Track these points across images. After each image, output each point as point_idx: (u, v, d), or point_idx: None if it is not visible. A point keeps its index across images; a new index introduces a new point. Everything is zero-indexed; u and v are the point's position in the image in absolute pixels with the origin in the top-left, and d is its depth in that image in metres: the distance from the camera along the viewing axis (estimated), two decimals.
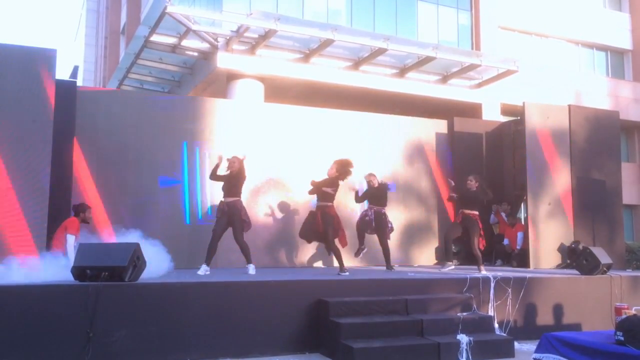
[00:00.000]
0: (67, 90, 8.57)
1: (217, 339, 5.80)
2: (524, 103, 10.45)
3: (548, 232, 9.99)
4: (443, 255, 9.44)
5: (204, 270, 7.24)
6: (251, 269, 7.54)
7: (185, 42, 12.73)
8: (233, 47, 12.93)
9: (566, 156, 10.33)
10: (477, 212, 8.61)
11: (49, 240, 7.36)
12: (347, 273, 7.69)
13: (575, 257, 8.58)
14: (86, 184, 8.78)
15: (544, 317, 7.33)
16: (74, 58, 36.09)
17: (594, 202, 10.30)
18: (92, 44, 31.94)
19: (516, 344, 6.32)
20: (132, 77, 14.66)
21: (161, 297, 5.71)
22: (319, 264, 9.89)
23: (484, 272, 7.96)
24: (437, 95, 14.84)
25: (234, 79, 13.49)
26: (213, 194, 9.11)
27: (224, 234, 7.61)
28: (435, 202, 11.11)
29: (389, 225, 8.81)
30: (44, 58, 7.71)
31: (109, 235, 8.33)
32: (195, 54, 13.29)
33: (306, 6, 15.02)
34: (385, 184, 9.00)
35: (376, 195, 8.82)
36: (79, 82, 17.05)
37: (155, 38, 12.47)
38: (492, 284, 7.06)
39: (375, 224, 8.66)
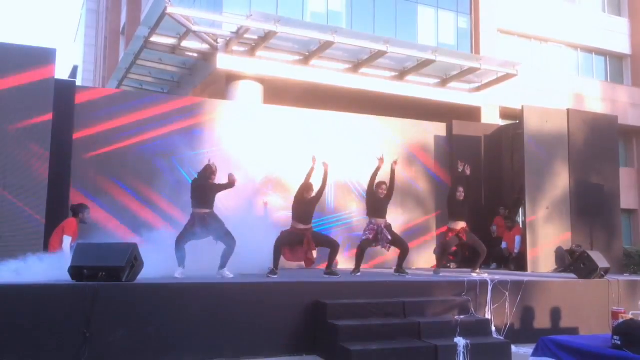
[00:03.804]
0: (66, 89, 8.57)
1: (214, 340, 5.79)
2: (522, 107, 10.47)
3: (546, 236, 10.00)
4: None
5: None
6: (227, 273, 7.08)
7: (185, 43, 12.74)
8: (233, 49, 12.93)
9: (564, 160, 10.34)
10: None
11: (46, 240, 7.35)
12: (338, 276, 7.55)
13: (573, 261, 8.60)
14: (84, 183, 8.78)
15: (541, 321, 7.34)
16: (73, 58, 36.12)
17: (592, 206, 10.31)
18: (91, 44, 31.98)
19: (513, 348, 6.33)
20: (131, 78, 14.66)
21: (158, 297, 5.71)
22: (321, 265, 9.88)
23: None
24: (436, 98, 14.86)
25: (234, 80, 13.49)
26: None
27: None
28: (434, 204, 11.12)
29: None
30: (44, 58, 7.73)
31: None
32: (195, 55, 13.29)
33: (306, 8, 15.03)
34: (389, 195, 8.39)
35: (382, 206, 8.26)
36: (79, 82, 17.05)
37: (155, 39, 12.47)
38: (490, 287, 7.07)
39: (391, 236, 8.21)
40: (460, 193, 8.59)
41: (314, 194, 7.72)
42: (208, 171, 7.34)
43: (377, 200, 8.20)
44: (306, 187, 7.68)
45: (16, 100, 7.45)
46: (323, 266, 8.04)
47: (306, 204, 7.69)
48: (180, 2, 13.84)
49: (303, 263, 8.10)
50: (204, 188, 7.30)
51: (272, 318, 6.04)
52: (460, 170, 8.75)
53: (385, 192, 8.23)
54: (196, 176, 7.55)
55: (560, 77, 18.45)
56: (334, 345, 5.74)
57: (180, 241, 7.11)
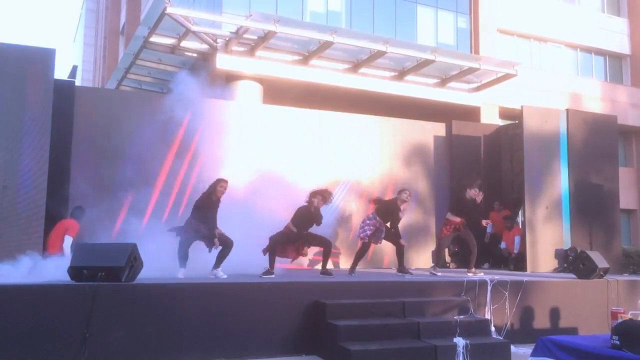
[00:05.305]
0: (65, 89, 8.57)
1: (214, 340, 5.79)
2: (522, 107, 10.48)
3: (545, 236, 10.00)
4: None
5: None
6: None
7: (184, 43, 12.73)
8: (232, 49, 12.93)
9: (564, 160, 10.34)
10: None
11: (45, 240, 7.35)
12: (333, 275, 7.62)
13: (572, 261, 8.60)
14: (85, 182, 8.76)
15: (541, 321, 7.34)
16: (73, 58, 36.11)
17: (591, 206, 10.32)
18: (91, 44, 31.92)
19: (513, 348, 6.34)
20: (130, 78, 14.64)
21: (158, 297, 5.71)
22: (317, 265, 9.88)
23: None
24: (435, 98, 14.85)
25: (233, 80, 13.49)
26: None
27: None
28: (433, 204, 11.12)
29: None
30: (43, 58, 7.72)
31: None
32: (195, 55, 13.28)
33: (305, 8, 15.03)
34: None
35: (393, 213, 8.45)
36: (78, 82, 17.05)
37: (154, 39, 12.47)
38: (489, 287, 7.07)
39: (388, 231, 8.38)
40: (479, 197, 8.42)
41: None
42: (213, 186, 7.34)
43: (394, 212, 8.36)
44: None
45: (16, 101, 7.44)
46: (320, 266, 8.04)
47: (308, 219, 7.71)
48: (179, 2, 13.83)
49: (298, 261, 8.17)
50: (206, 204, 7.30)
51: (272, 318, 6.04)
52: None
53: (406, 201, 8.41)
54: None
55: (560, 77, 18.46)
56: (333, 345, 5.74)
57: (184, 243, 7.16)
